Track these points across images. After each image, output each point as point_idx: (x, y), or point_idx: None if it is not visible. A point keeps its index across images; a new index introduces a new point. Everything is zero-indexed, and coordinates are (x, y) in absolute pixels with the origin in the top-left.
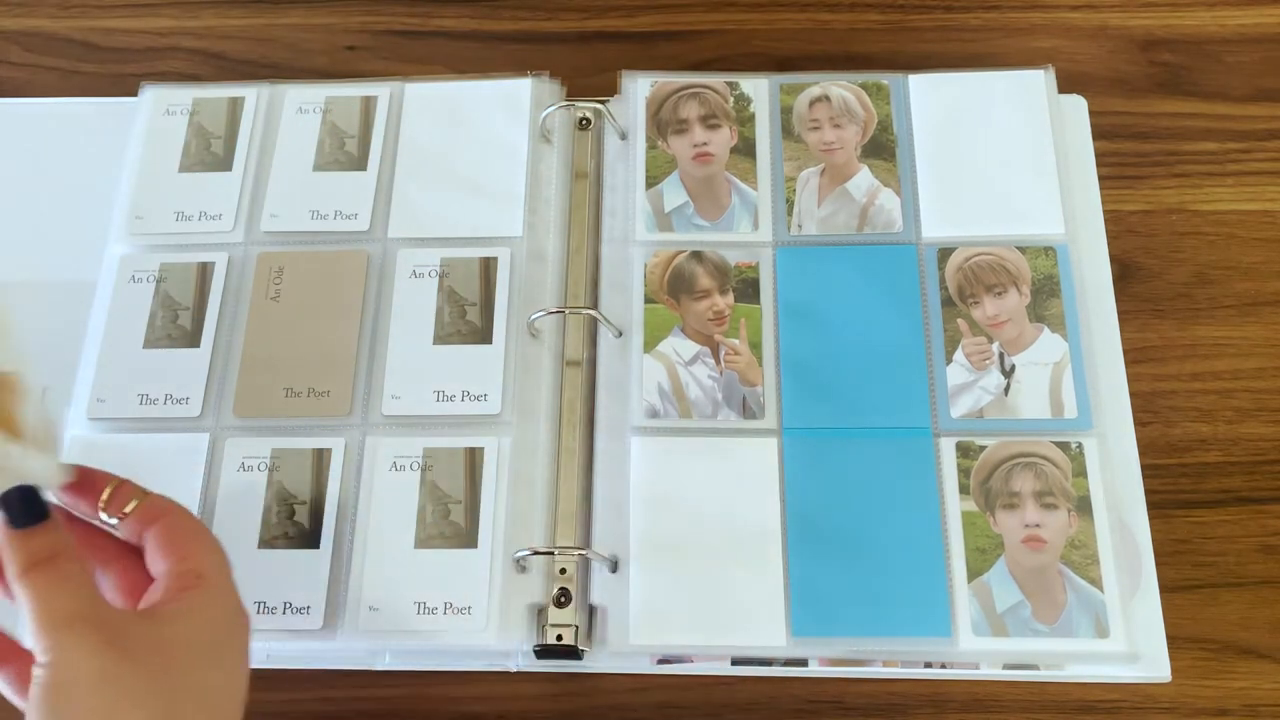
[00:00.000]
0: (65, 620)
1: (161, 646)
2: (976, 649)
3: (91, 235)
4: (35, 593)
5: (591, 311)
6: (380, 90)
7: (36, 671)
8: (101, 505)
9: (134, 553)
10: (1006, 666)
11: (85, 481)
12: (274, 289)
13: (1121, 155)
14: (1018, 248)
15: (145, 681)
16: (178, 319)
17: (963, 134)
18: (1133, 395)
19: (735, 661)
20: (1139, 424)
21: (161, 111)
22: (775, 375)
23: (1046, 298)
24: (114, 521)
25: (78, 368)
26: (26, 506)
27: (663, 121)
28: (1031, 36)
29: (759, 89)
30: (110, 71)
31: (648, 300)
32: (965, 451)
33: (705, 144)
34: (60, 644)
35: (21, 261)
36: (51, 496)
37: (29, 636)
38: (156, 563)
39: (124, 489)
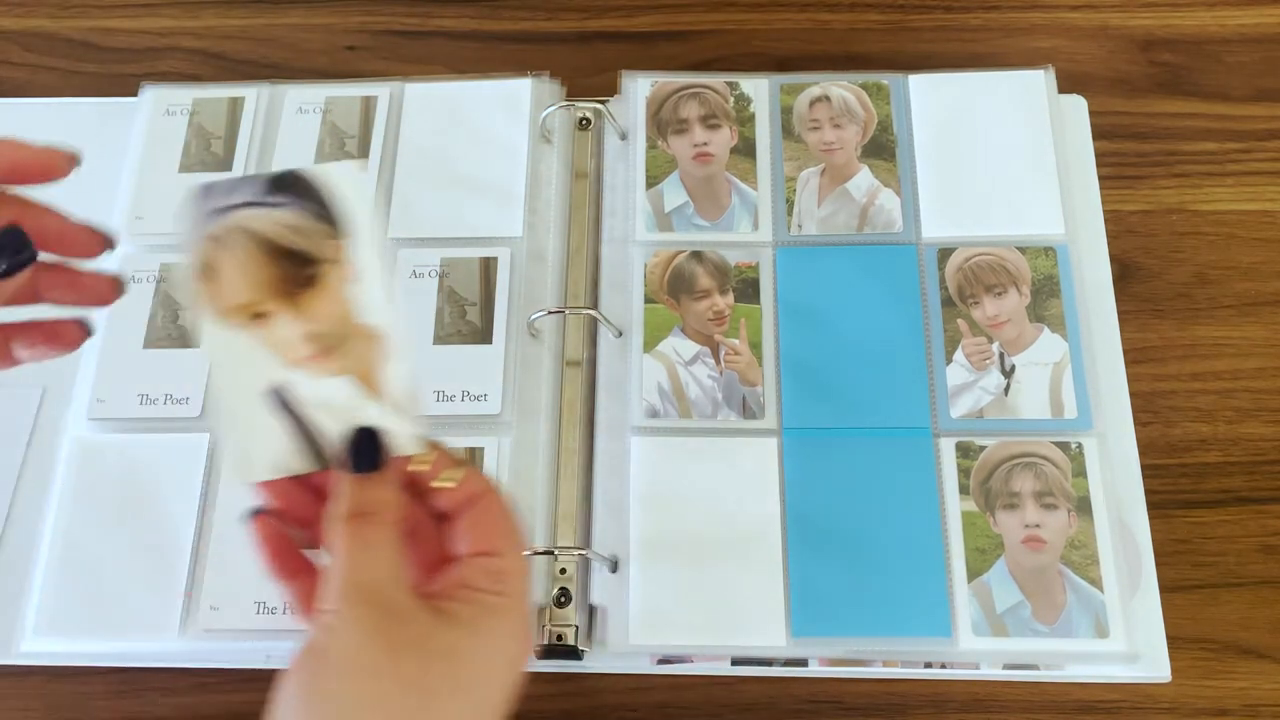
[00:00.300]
0: (355, 589)
1: (431, 657)
2: (976, 649)
3: None
4: (344, 545)
5: (591, 311)
6: (380, 90)
7: (316, 620)
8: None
9: (436, 522)
10: (1006, 667)
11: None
12: None
13: (1121, 155)
14: (1018, 248)
15: (398, 689)
16: (178, 319)
17: (963, 134)
18: (1133, 395)
19: (735, 661)
20: (1139, 424)
21: (161, 111)
22: (775, 375)
23: (1046, 298)
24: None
25: (78, 368)
26: (371, 452)
27: (663, 121)
28: (1031, 36)
29: (759, 89)
30: (110, 71)
31: (648, 300)
32: (965, 451)
33: (705, 144)
34: (340, 613)
35: None
36: None
37: (329, 578)
38: (461, 545)
39: (445, 457)
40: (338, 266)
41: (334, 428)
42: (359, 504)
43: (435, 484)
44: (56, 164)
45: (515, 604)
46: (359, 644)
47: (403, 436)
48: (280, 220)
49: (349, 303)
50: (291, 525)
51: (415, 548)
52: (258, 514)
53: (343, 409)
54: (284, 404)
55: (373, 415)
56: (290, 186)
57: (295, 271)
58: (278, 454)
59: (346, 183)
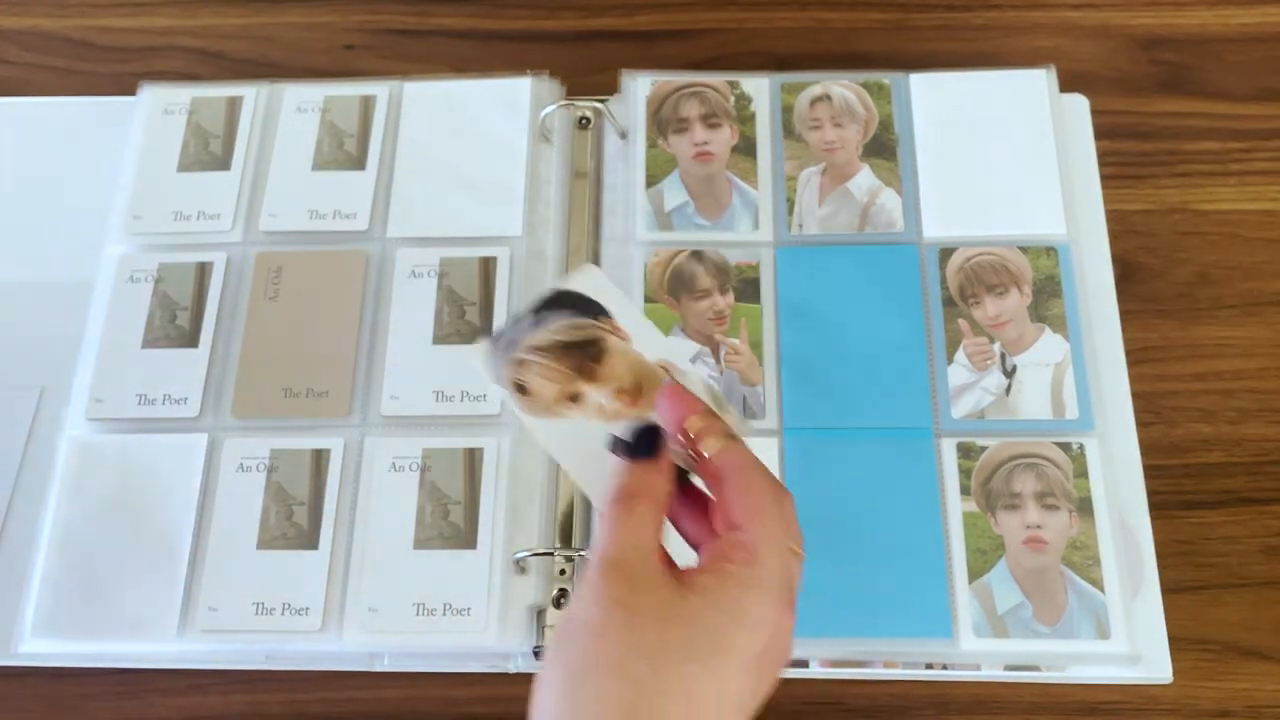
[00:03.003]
0: (605, 561)
1: (667, 623)
2: (977, 650)
3: (89, 235)
4: (604, 524)
5: None
6: (379, 89)
7: (571, 596)
8: (682, 437)
9: (705, 502)
10: (1008, 668)
11: (681, 400)
12: (272, 289)
13: (1123, 155)
14: (1019, 248)
15: (630, 652)
16: (176, 319)
17: (964, 133)
18: (1134, 396)
19: None
20: (1141, 424)
21: (160, 111)
22: (776, 375)
23: (1048, 298)
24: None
25: (76, 368)
26: (648, 443)
27: (663, 120)
28: (1033, 35)
29: (760, 88)
30: (108, 70)
31: (648, 300)
32: (966, 452)
33: (706, 143)
34: (591, 582)
35: (19, 261)
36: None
37: (589, 560)
38: (722, 514)
39: (714, 425)
40: (614, 334)
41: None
42: (623, 488)
43: (703, 452)
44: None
45: (762, 575)
46: (601, 610)
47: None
48: (555, 329)
49: (633, 355)
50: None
51: (689, 525)
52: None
53: None
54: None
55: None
56: (551, 305)
57: (583, 354)
58: None
59: (589, 284)
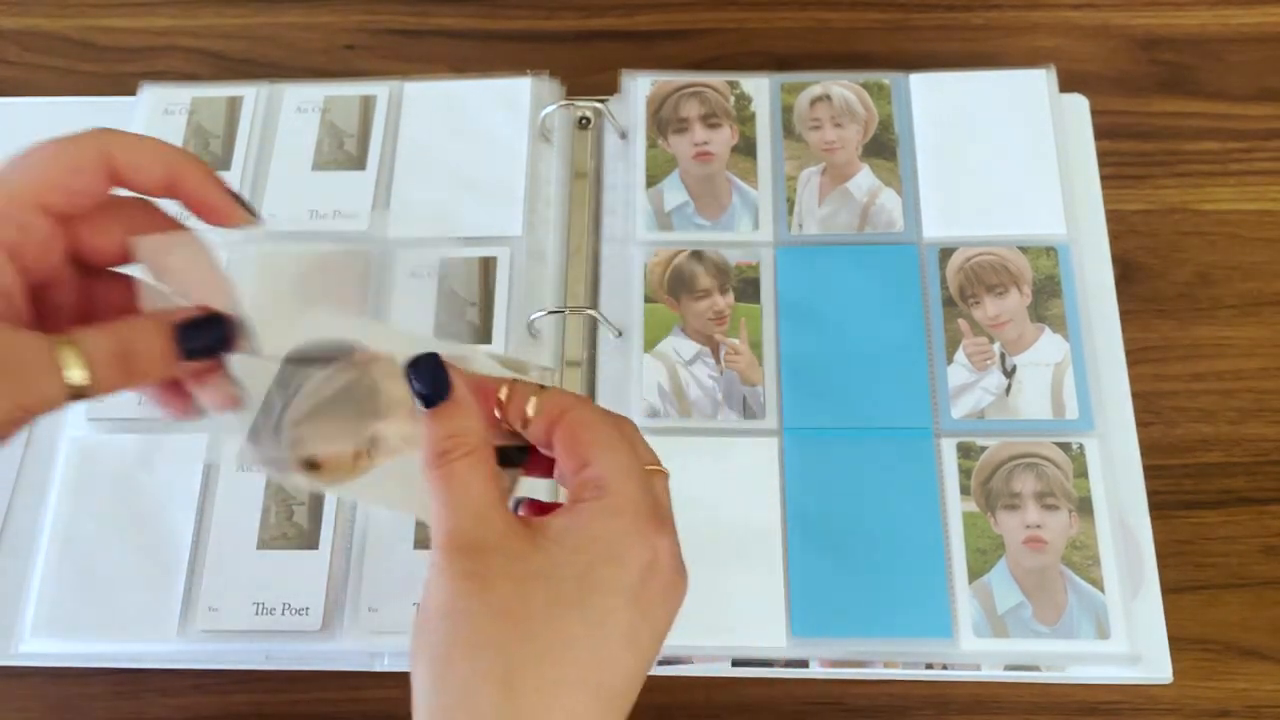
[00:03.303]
0: (445, 536)
1: (523, 581)
2: (977, 650)
3: None
4: (433, 495)
5: (591, 311)
6: (379, 89)
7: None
8: (499, 414)
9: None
10: (1008, 668)
11: (479, 391)
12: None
13: (1123, 155)
14: (1019, 248)
15: (492, 621)
16: None
17: (964, 133)
18: (1134, 395)
19: (735, 662)
20: (1140, 424)
21: (160, 110)
22: (775, 375)
23: (1048, 298)
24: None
25: None
26: (430, 379)
27: (663, 120)
28: (1033, 35)
29: (760, 88)
30: (108, 70)
31: (648, 300)
32: (966, 452)
33: (706, 143)
34: (435, 563)
35: None
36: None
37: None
38: (564, 465)
39: (519, 389)
40: (375, 361)
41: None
42: (435, 445)
43: (527, 413)
44: (225, 212)
45: (619, 503)
46: (452, 588)
47: (478, 363)
48: (311, 391)
49: (398, 369)
50: None
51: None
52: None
53: None
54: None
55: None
56: (288, 376)
57: (358, 396)
58: None
59: (321, 328)
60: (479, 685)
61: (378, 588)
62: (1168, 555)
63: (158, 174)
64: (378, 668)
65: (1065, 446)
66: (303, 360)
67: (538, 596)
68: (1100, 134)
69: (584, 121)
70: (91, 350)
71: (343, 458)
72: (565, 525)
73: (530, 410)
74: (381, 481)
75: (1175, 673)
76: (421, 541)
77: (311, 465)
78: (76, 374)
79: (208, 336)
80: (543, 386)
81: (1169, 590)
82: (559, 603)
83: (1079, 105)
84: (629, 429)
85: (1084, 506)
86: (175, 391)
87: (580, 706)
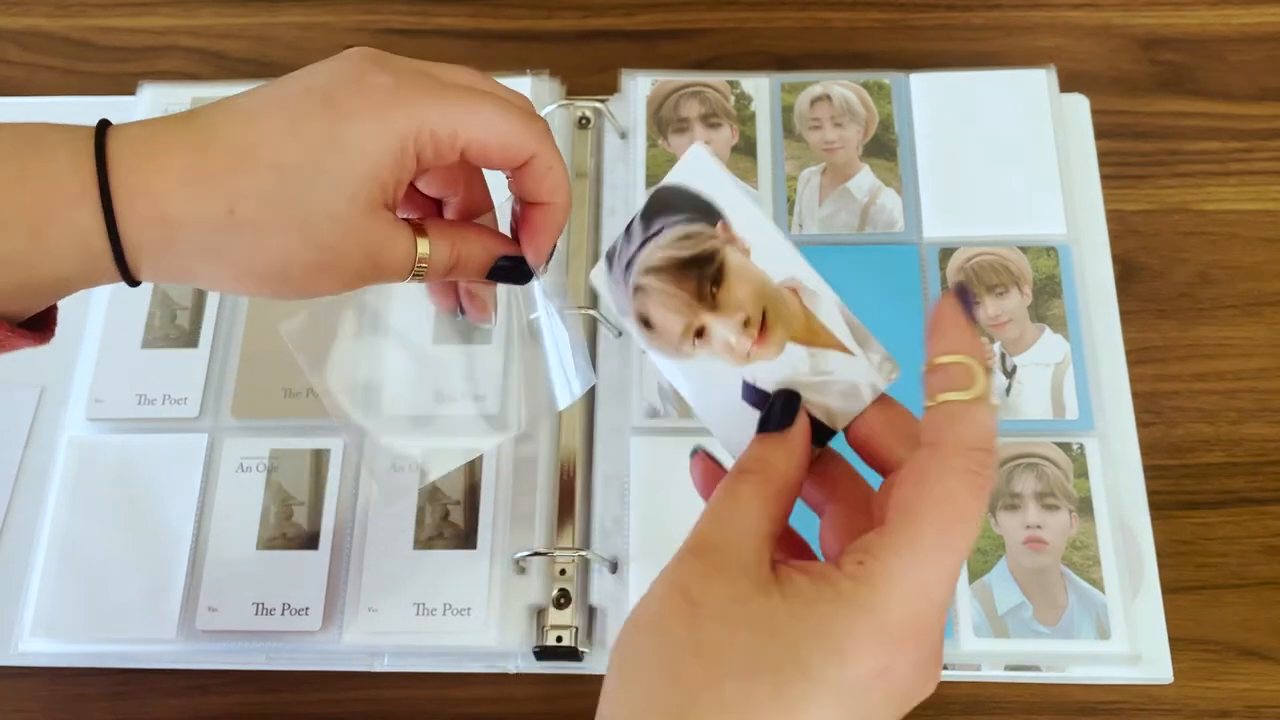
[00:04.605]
0: (691, 546)
1: (735, 628)
2: (978, 650)
3: None
4: (711, 500)
5: (591, 311)
6: None
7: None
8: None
9: (866, 491)
10: (1008, 668)
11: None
12: None
13: (1123, 155)
14: (1019, 248)
15: (687, 657)
16: (176, 319)
17: (964, 133)
18: (1135, 396)
19: None
20: (1141, 424)
21: (160, 110)
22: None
23: (1048, 298)
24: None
25: (75, 368)
26: (778, 413)
27: (663, 120)
28: (1033, 35)
29: (760, 88)
30: (108, 70)
31: None
32: None
33: (706, 143)
34: (666, 567)
35: None
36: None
37: None
38: (875, 508)
39: (899, 420)
40: (732, 245)
41: (819, 399)
42: (743, 463)
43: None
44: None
45: (875, 602)
46: (666, 603)
47: (867, 374)
48: (668, 241)
49: (755, 273)
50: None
51: (839, 516)
52: (698, 452)
53: (808, 376)
54: (759, 398)
55: (838, 365)
56: (657, 209)
57: (702, 275)
58: None
59: (697, 170)
60: (655, 712)
61: (378, 588)
62: (1168, 555)
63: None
64: (378, 668)
65: (1065, 446)
66: (671, 203)
67: (740, 647)
68: (1101, 134)
69: (584, 121)
70: (435, 249)
71: (673, 332)
72: (804, 587)
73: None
74: (700, 380)
75: (1176, 673)
76: (422, 542)
77: (645, 323)
78: (424, 271)
79: (516, 273)
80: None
81: (1169, 590)
82: (758, 664)
83: (1079, 105)
84: (970, 531)
85: (1084, 507)
86: (450, 291)
87: None
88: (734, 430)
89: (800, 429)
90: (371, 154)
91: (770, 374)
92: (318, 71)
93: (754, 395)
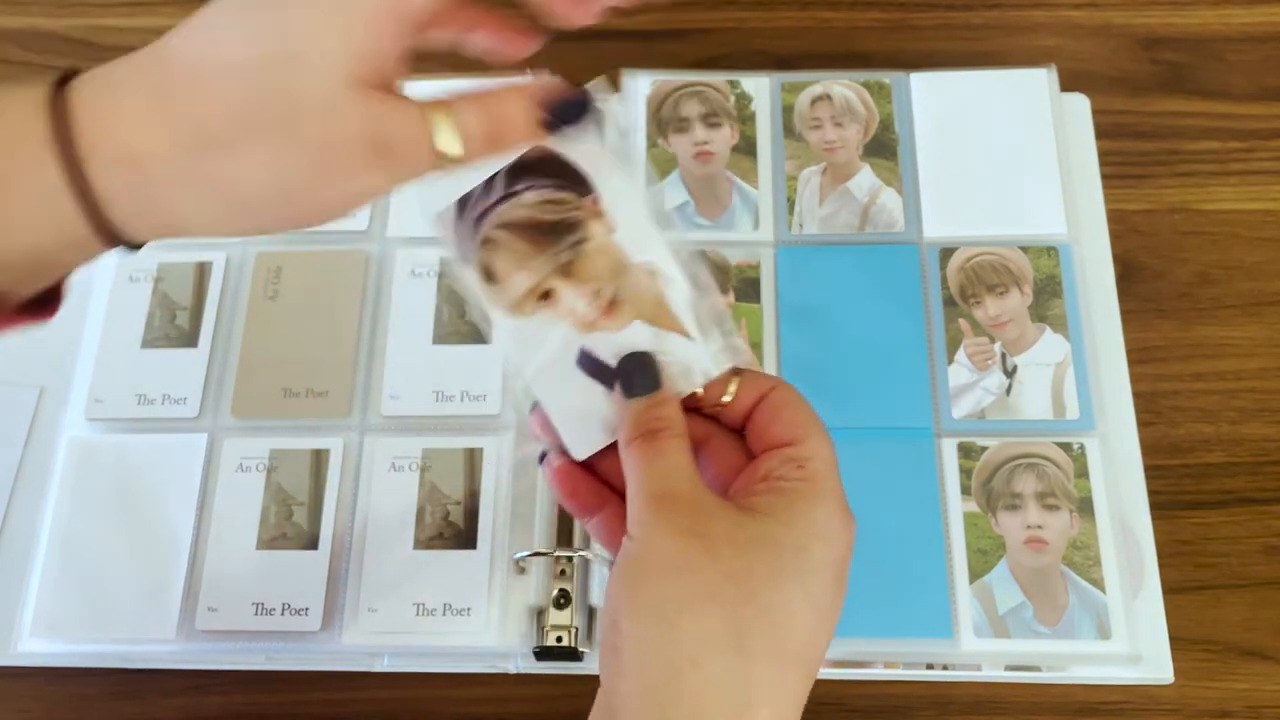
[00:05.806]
0: (657, 498)
1: (746, 547)
2: (978, 650)
3: None
4: (636, 464)
5: None
6: None
7: (626, 541)
8: (700, 395)
9: (731, 434)
10: (1008, 668)
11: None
12: (272, 289)
13: (1124, 154)
14: (1020, 247)
15: (721, 580)
16: (175, 319)
17: (965, 133)
18: (1135, 395)
19: None
20: (1141, 424)
21: None
22: (776, 375)
23: (1049, 298)
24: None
25: (75, 367)
26: (643, 375)
27: (663, 120)
28: (1034, 35)
29: (760, 87)
30: None
31: None
32: (967, 452)
33: (706, 143)
34: (648, 521)
35: None
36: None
37: (630, 504)
38: (759, 441)
39: (718, 379)
40: (597, 220)
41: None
42: (640, 426)
43: (727, 393)
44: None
45: (824, 485)
46: (674, 545)
47: (703, 360)
48: (531, 202)
49: (616, 252)
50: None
51: (714, 457)
52: (544, 458)
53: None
54: (596, 367)
55: (678, 347)
56: (528, 169)
57: (561, 241)
58: (607, 417)
59: (582, 143)
60: (711, 645)
61: (378, 588)
62: (1169, 555)
63: None
64: (378, 668)
65: (1066, 446)
66: (543, 167)
67: (761, 565)
68: (1101, 133)
69: None
70: (466, 122)
71: (516, 290)
72: (776, 503)
73: (729, 392)
74: (530, 338)
75: (1176, 673)
76: (422, 542)
77: (489, 276)
78: (452, 145)
79: (576, 112)
80: (737, 370)
81: (1170, 590)
82: (781, 574)
83: (1080, 105)
84: (814, 414)
85: (1085, 507)
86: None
87: (798, 683)
88: (558, 394)
89: (668, 385)
90: (338, 26)
91: (610, 345)
92: None
93: (590, 364)
